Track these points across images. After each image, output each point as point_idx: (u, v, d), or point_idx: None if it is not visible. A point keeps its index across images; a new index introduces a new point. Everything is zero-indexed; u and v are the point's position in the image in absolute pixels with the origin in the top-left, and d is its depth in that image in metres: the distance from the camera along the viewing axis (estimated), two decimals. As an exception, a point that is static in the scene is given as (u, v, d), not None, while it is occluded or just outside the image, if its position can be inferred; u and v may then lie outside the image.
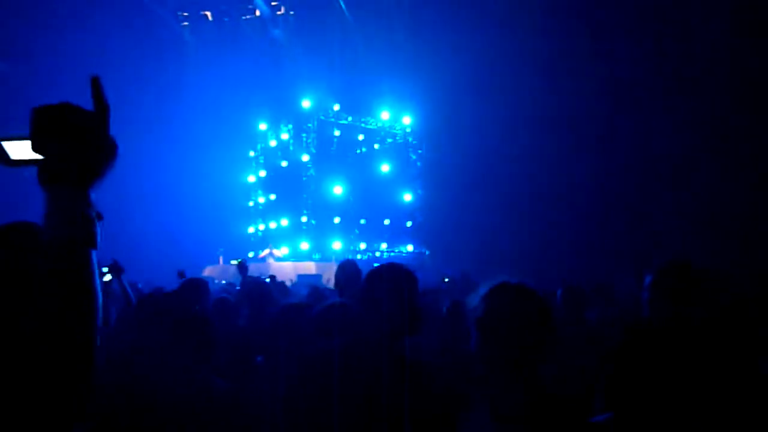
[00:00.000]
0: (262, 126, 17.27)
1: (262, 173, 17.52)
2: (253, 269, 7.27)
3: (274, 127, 17.49)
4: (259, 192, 17.36)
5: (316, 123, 17.11)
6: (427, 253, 16.60)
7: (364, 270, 4.02)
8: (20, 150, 1.03)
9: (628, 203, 13.15)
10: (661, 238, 11.23)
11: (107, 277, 4.20)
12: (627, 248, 11.22)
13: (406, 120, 17.33)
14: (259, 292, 3.74)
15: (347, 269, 3.58)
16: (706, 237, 10.45)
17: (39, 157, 0.99)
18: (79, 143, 0.99)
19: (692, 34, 12.24)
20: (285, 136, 17.43)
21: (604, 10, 13.21)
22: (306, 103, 16.71)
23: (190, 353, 2.33)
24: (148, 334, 2.53)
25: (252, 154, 17.57)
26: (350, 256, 15.20)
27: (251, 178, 17.43)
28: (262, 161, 17.59)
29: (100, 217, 1.02)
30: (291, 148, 17.36)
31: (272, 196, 17.05)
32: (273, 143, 17.55)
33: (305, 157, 16.92)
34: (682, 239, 10.65)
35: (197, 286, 3.73)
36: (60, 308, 0.93)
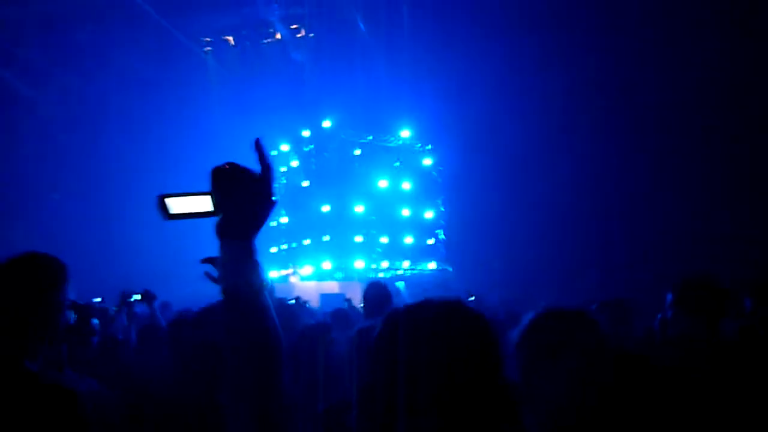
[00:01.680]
0: (284, 147, 17.44)
1: (286, 193, 17.68)
2: (277, 289, 7.33)
3: (296, 148, 17.66)
4: (282, 212, 17.51)
5: (336, 142, 17.24)
6: (450, 270, 16.52)
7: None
8: (179, 205, 1.15)
9: (656, 217, 12.95)
10: (689, 256, 11.05)
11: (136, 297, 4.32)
12: (654, 265, 11.05)
13: (427, 137, 17.38)
14: (285, 316, 3.76)
15: (375, 291, 3.57)
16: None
17: (195, 210, 1.14)
18: (252, 202, 1.12)
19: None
20: (295, 163, 17.61)
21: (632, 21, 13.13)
22: (326, 123, 16.87)
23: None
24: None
25: (280, 173, 17.77)
26: (372, 275, 15.21)
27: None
28: (284, 182, 17.75)
29: (258, 263, 1.13)
30: (313, 167, 17.51)
31: (285, 219, 17.13)
32: (294, 163, 17.70)
33: (308, 182, 17.12)
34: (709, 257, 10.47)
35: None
36: (244, 346, 1.07)
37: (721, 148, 12.06)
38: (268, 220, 1.15)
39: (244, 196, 1.12)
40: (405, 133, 17.21)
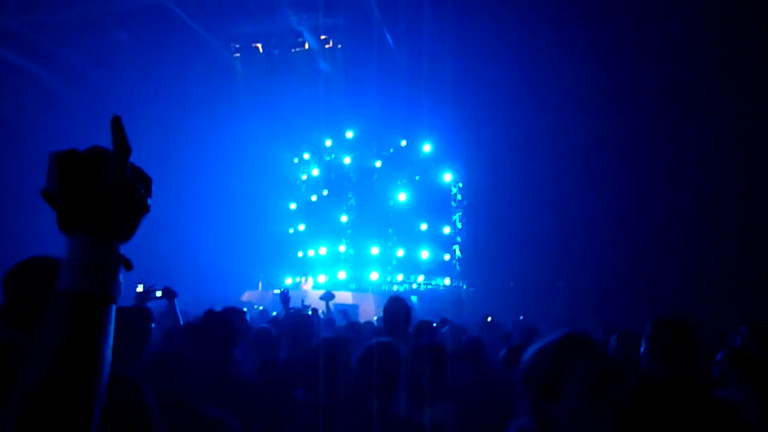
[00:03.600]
0: (306, 156, 17.60)
1: (302, 202, 17.80)
2: (292, 295, 7.34)
3: (317, 157, 17.79)
4: (300, 220, 17.61)
5: (358, 153, 17.33)
6: (464, 287, 16.45)
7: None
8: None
9: (676, 239, 12.81)
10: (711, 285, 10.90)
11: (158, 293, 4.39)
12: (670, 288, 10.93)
13: (450, 164, 17.42)
14: (302, 326, 3.77)
15: (396, 306, 3.55)
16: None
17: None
18: (98, 190, 0.91)
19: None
20: (316, 172, 17.71)
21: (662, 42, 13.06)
22: (349, 134, 16.98)
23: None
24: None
25: (304, 177, 17.95)
26: (386, 288, 15.19)
27: (293, 206, 17.70)
28: (304, 189, 17.88)
29: (128, 266, 0.93)
30: (332, 176, 17.61)
31: (302, 226, 17.22)
32: (315, 172, 17.83)
33: (326, 192, 17.20)
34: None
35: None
36: (57, 367, 0.81)
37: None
38: (135, 220, 0.95)
39: (84, 183, 0.90)
40: (426, 148, 17.25)
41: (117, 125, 0.94)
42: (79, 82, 14.37)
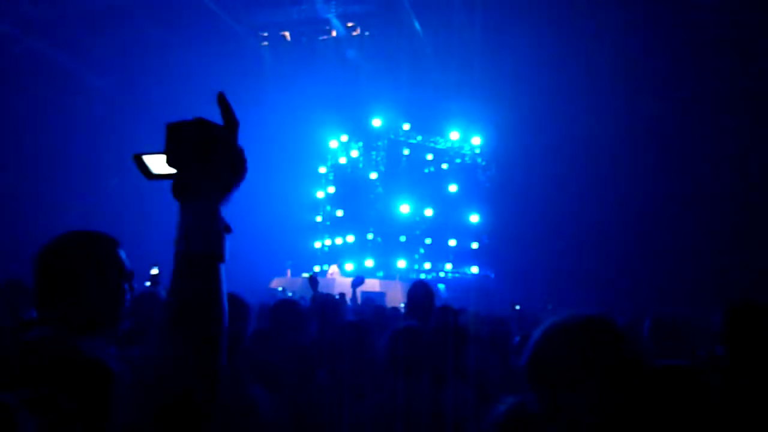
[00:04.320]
0: (333, 143, 17.59)
1: (331, 189, 17.81)
2: (320, 283, 7.39)
3: (345, 145, 17.79)
4: (328, 207, 17.66)
5: (386, 141, 17.28)
6: (492, 276, 16.34)
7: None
8: (161, 164, 1.04)
9: (710, 227, 12.48)
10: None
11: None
12: (702, 276, 10.67)
13: (476, 140, 17.22)
14: (330, 308, 3.78)
15: (419, 291, 3.54)
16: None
17: (171, 170, 1.02)
18: (213, 159, 1.00)
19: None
20: (355, 154, 17.68)
21: (684, 29, 12.73)
22: (377, 122, 16.92)
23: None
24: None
25: (323, 170, 17.92)
26: (414, 276, 15.18)
27: (320, 194, 17.75)
28: (331, 178, 17.90)
29: (228, 229, 1.04)
30: (360, 165, 17.59)
31: (339, 212, 17.27)
32: (342, 160, 17.83)
33: (373, 175, 17.09)
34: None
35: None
36: (194, 318, 0.95)
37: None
38: (237, 183, 1.04)
39: (201, 153, 0.99)
40: (454, 135, 17.12)
41: (223, 101, 1.04)
42: (106, 73, 14.60)
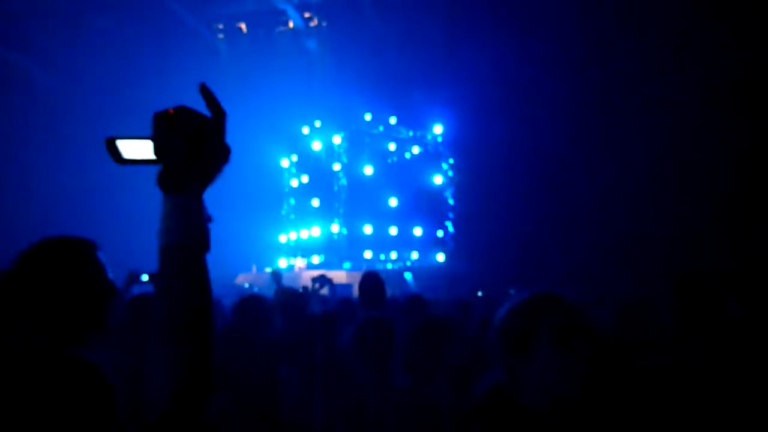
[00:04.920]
0: (305, 130, 17.30)
1: (294, 182, 17.64)
2: (285, 277, 7.29)
3: (311, 135, 17.59)
4: (292, 201, 17.47)
5: (348, 132, 17.16)
6: (459, 263, 16.46)
7: (395, 279, 4.00)
8: (133, 149, 1.04)
9: (671, 210, 12.77)
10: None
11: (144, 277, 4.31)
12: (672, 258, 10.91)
13: (437, 129, 17.26)
14: (294, 302, 3.73)
15: (371, 281, 3.55)
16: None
17: (149, 157, 1.03)
18: (200, 150, 1.00)
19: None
20: (317, 146, 17.52)
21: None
22: (334, 114, 16.79)
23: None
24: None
25: (285, 164, 17.70)
26: (380, 266, 15.19)
27: (294, 182, 17.48)
28: (294, 171, 17.70)
29: (209, 219, 1.06)
30: (322, 157, 17.45)
31: (315, 202, 16.98)
32: (316, 146, 17.56)
33: (336, 166, 16.97)
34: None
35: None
36: (182, 307, 0.98)
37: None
38: (219, 173, 1.05)
39: (188, 144, 1.00)
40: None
41: (206, 91, 1.04)
42: (58, 69, 14.11)
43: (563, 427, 1.40)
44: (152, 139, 1.01)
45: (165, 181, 1.02)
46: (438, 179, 17.14)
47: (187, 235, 1.00)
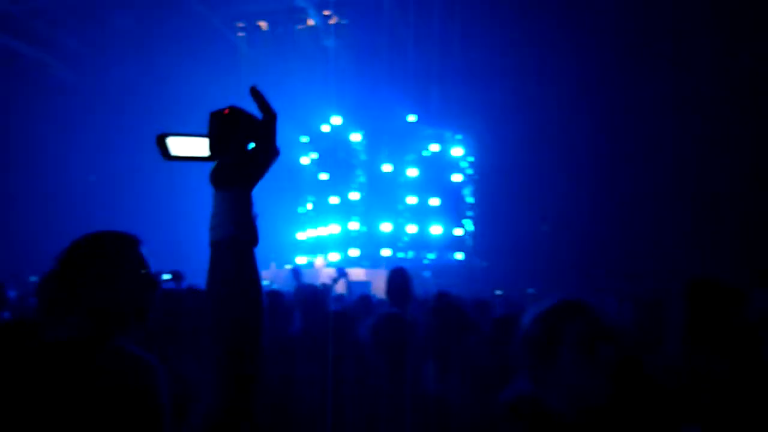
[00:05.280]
0: (325, 128, 17.33)
1: (313, 179, 17.66)
2: (305, 274, 7.34)
3: (328, 135, 17.62)
4: (311, 198, 17.54)
5: (367, 130, 17.16)
6: (479, 262, 16.38)
7: (415, 277, 3.99)
8: (180, 146, 1.08)
9: (689, 212, 12.60)
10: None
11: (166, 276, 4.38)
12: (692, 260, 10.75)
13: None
14: (313, 299, 3.72)
15: (398, 278, 3.54)
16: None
17: (196, 154, 1.07)
18: (254, 149, 1.06)
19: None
20: (336, 143, 17.55)
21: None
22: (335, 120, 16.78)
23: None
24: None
25: (305, 161, 17.76)
26: (398, 264, 15.15)
27: (313, 180, 17.51)
28: (314, 169, 17.74)
29: (256, 215, 1.11)
30: (342, 154, 17.49)
31: (335, 199, 16.97)
32: (335, 144, 17.58)
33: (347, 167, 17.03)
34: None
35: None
36: (234, 299, 1.02)
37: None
38: (267, 171, 1.10)
39: (243, 143, 1.05)
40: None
41: (257, 94, 1.09)
42: (79, 68, 14.31)
43: None
44: (208, 137, 1.06)
45: (220, 177, 1.06)
46: (457, 177, 17.07)
47: (242, 228, 1.05)
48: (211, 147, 1.06)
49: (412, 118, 16.89)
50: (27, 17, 13.17)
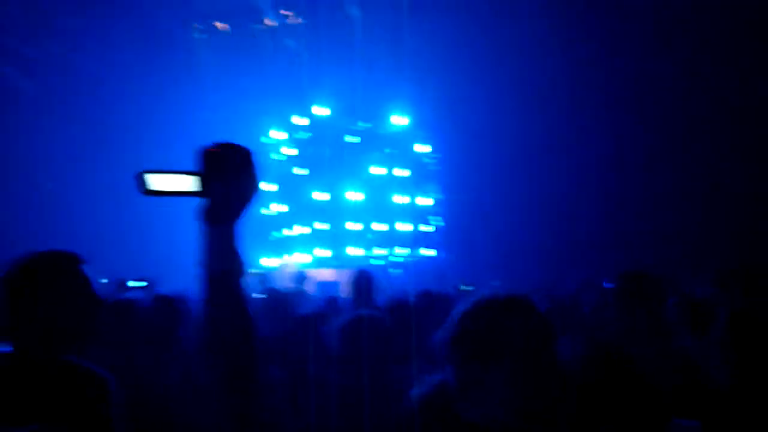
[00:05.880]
0: (279, 135, 17.19)
1: (274, 187, 17.50)
2: (271, 277, 7.26)
3: (291, 134, 17.48)
4: (276, 201, 17.37)
5: (329, 130, 17.07)
6: (444, 257, 16.48)
7: (380, 276, 3.98)
8: (160, 182, 1.12)
9: (644, 204, 12.90)
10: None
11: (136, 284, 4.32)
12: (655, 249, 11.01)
13: (404, 120, 17.17)
14: (280, 303, 3.69)
15: (362, 279, 3.54)
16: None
17: (175, 189, 1.10)
18: (241, 186, 1.11)
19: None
20: (289, 151, 17.38)
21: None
22: (322, 111, 16.70)
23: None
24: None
25: (268, 161, 17.56)
26: (367, 262, 15.17)
27: (267, 187, 17.37)
28: (276, 169, 17.55)
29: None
30: (305, 156, 17.36)
31: (284, 208, 16.97)
32: (290, 151, 17.49)
33: (303, 171, 16.94)
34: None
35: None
36: (227, 330, 1.08)
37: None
38: (251, 204, 1.14)
39: (234, 180, 1.09)
40: (401, 120, 17.03)
41: (221, 145, 1.13)
42: (30, 71, 13.86)
43: None
44: (201, 174, 1.10)
45: (211, 215, 1.11)
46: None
47: (233, 262, 1.11)
48: (203, 184, 1.10)
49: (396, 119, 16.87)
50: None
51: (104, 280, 4.72)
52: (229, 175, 1.10)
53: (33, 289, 1.57)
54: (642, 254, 10.43)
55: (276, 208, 17.27)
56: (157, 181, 1.12)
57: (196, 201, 1.12)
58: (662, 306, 2.60)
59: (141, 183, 1.13)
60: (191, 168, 1.12)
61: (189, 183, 1.11)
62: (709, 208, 11.65)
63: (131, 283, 4.92)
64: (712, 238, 10.91)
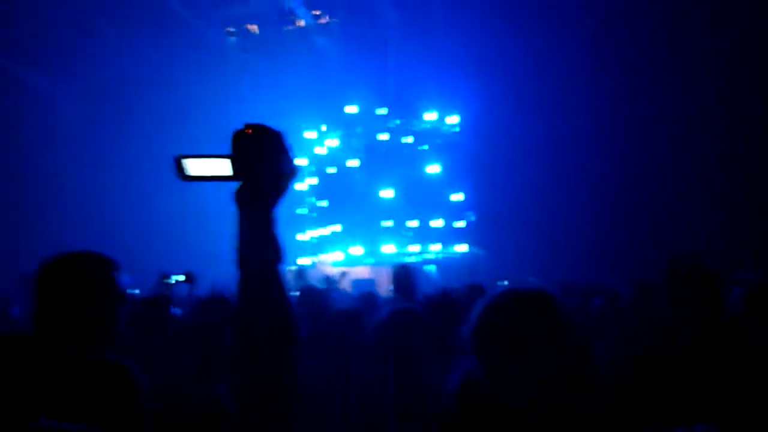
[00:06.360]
0: (310, 134, 17.30)
1: (313, 180, 17.60)
2: (308, 274, 7.31)
3: (323, 135, 17.56)
4: (312, 199, 17.47)
5: (363, 128, 17.09)
6: (481, 253, 16.32)
7: (419, 273, 3.97)
8: (197, 167, 1.11)
9: (688, 198, 12.54)
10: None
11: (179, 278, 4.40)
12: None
13: (454, 119, 17.06)
14: (317, 300, 3.70)
15: (402, 273, 3.53)
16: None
17: (213, 174, 1.08)
18: (274, 169, 1.06)
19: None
20: (334, 143, 17.46)
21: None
22: (352, 109, 16.73)
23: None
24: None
25: (303, 162, 17.69)
26: (402, 259, 15.14)
27: (302, 186, 17.50)
28: (313, 169, 17.67)
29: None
30: (340, 154, 17.42)
31: (324, 203, 17.06)
32: (321, 150, 17.55)
33: (354, 162, 16.93)
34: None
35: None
36: (264, 327, 1.04)
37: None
38: (288, 188, 1.09)
39: (268, 161, 1.05)
40: (432, 116, 16.95)
41: (253, 126, 1.09)
42: (68, 80, 14.22)
43: (544, 429, 1.32)
44: (232, 158, 1.06)
45: (246, 198, 1.07)
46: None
47: (270, 248, 1.07)
48: (236, 168, 1.06)
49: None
50: (8, 30, 12.95)
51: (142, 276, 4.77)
52: (262, 157, 1.06)
53: (60, 287, 1.64)
54: (683, 249, 10.14)
55: (312, 206, 17.38)
56: (193, 166, 1.11)
57: (233, 187, 1.10)
58: (720, 296, 2.44)
59: (179, 168, 1.12)
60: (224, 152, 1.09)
61: (225, 167, 1.08)
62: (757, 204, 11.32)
63: (174, 277, 4.97)
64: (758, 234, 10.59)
